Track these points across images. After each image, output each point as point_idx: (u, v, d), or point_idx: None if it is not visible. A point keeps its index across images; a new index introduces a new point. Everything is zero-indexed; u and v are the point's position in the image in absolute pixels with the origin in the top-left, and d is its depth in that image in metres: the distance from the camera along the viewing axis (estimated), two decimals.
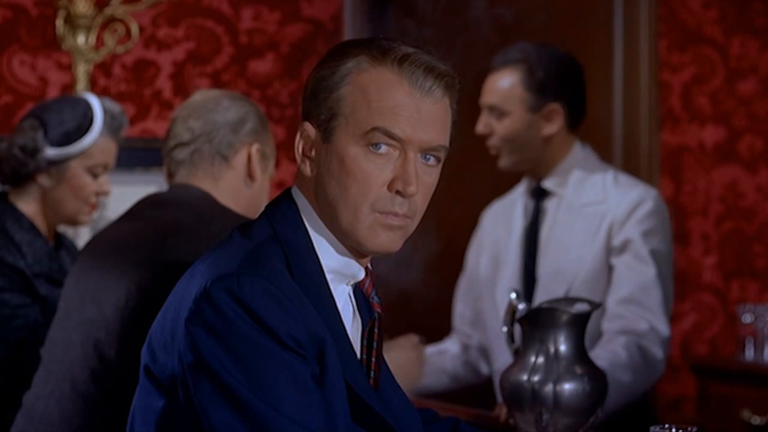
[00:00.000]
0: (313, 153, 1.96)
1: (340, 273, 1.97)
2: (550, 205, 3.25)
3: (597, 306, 2.50)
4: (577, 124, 3.26)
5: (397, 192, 1.91)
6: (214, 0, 4.32)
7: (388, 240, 1.94)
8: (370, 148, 1.91)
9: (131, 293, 2.45)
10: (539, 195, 3.27)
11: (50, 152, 3.10)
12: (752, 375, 4.31)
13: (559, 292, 3.10)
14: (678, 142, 4.78)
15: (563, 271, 3.16)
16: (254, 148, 2.67)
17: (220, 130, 2.65)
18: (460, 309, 3.46)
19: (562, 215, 3.22)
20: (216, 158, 2.64)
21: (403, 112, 1.91)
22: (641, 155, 4.68)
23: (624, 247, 3.12)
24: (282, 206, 1.98)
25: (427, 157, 1.94)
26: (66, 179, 3.13)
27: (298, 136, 1.98)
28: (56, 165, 3.11)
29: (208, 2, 4.31)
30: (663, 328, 3.09)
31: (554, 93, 3.19)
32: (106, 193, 3.19)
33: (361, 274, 1.99)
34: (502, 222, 3.35)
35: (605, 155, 4.70)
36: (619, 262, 3.12)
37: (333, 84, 1.93)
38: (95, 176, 3.15)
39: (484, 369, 3.43)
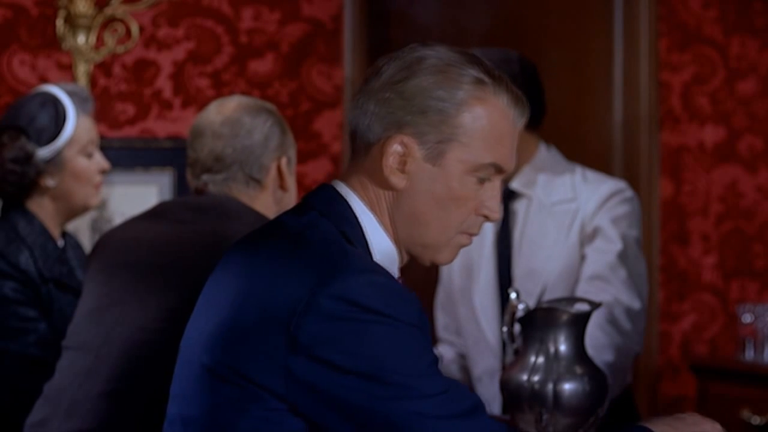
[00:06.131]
0: (411, 168, 1.94)
1: None
2: (519, 206, 3.25)
3: (597, 306, 2.50)
4: (536, 124, 3.23)
5: (484, 216, 1.97)
6: (214, 0, 4.32)
7: (454, 256, 2.00)
8: (481, 180, 1.95)
9: (184, 295, 2.43)
10: (507, 197, 3.26)
11: (43, 152, 3.13)
12: (752, 375, 4.31)
13: (534, 292, 3.12)
14: (678, 142, 4.78)
15: (537, 270, 3.17)
16: (283, 161, 2.71)
17: (251, 156, 2.67)
18: (443, 319, 3.45)
19: (533, 215, 3.22)
20: (250, 183, 2.68)
21: (507, 144, 1.96)
22: (641, 155, 4.68)
23: (594, 234, 3.15)
24: (336, 204, 1.97)
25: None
26: (67, 171, 3.15)
27: (394, 146, 1.93)
28: (53, 161, 3.14)
29: (208, 2, 4.31)
30: (627, 300, 3.08)
31: None
32: (105, 169, 3.23)
33: (397, 275, 2.00)
34: None
35: (605, 155, 4.71)
36: (589, 249, 3.15)
37: (449, 108, 1.92)
38: (90, 156, 3.19)
39: None
